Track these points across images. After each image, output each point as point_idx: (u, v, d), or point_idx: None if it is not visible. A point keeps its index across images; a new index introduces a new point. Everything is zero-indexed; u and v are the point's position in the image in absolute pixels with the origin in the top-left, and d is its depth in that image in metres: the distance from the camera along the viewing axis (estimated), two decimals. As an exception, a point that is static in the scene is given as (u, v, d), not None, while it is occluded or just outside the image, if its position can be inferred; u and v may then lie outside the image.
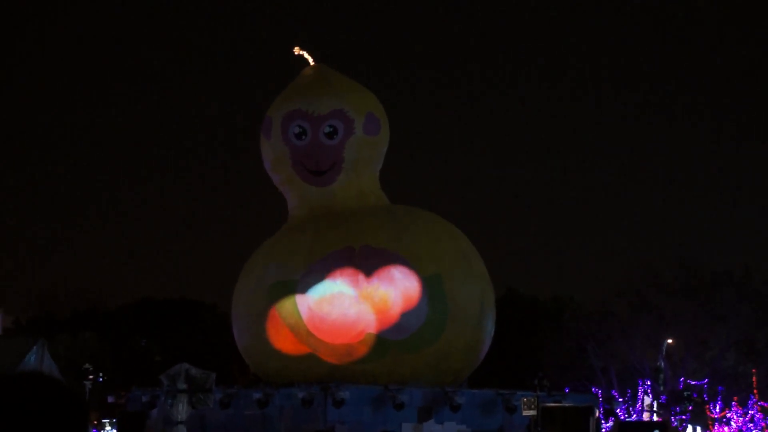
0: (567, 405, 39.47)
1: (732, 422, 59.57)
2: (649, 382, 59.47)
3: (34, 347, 62.08)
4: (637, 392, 59.93)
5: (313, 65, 42.08)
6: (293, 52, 42.30)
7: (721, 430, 59.70)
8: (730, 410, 59.78)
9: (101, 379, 55.10)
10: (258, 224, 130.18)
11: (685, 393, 57.29)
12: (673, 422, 56.69)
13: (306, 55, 42.28)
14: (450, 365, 38.98)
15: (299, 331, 38.29)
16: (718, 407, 59.94)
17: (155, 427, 36.66)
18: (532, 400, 36.55)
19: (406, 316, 37.78)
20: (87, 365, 47.22)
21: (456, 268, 38.99)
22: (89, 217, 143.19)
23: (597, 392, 56.53)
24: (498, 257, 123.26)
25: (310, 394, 35.95)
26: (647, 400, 59.44)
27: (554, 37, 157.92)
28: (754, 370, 60.46)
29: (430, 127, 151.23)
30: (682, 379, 59.89)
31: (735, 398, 59.93)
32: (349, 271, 37.97)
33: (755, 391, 59.75)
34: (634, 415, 59.03)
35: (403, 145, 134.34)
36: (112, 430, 61.12)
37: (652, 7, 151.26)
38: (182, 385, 28.29)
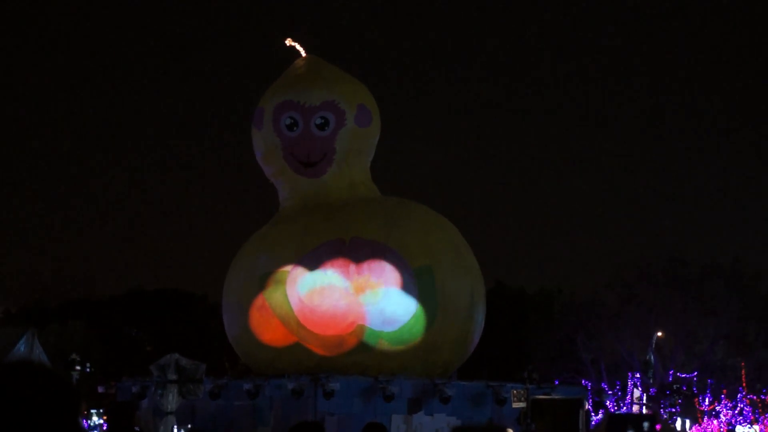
0: (556, 397, 39.59)
1: (721, 415, 59.79)
2: (638, 375, 59.65)
3: (24, 337, 62.04)
4: (627, 385, 60.11)
5: (304, 56, 42.03)
6: (285, 44, 42.26)
7: (710, 422, 59.91)
8: (719, 403, 60.00)
9: (89, 370, 55.02)
10: (249, 215, 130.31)
11: (675, 386, 57.46)
12: (662, 414, 56.85)
13: (298, 46, 42.23)
14: (440, 357, 39.00)
15: (289, 322, 38.28)
16: (707, 400, 60.16)
17: (145, 418, 36.68)
18: (522, 392, 36.64)
19: (396, 307, 37.79)
20: (74, 356, 47.12)
21: (446, 260, 38.98)
22: (80, 206, 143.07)
23: (587, 384, 56.68)
24: (486, 249, 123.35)
25: (300, 385, 35.95)
26: (637, 392, 59.61)
27: (546, 28, 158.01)
28: (743, 363, 60.69)
29: (420, 119, 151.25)
30: (672, 371, 60.08)
31: (724, 391, 60.16)
32: (340, 262, 37.96)
33: (744, 383, 59.97)
34: (624, 408, 59.20)
35: (394, 136, 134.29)
36: (99, 419, 61.09)
37: (642, 6, 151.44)
38: (172, 376, 28.27)
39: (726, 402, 59.61)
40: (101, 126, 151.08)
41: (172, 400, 28.16)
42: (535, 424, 37.42)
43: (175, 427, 28.90)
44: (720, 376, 60.72)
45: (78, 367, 47.40)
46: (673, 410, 56.84)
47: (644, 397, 58.59)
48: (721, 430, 59.15)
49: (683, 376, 59.57)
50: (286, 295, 38.34)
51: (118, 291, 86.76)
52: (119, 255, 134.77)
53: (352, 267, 37.86)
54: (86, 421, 59.52)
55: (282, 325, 38.43)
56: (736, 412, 59.36)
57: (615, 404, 59.50)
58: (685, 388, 58.50)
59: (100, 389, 65.45)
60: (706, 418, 59.73)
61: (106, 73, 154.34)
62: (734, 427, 59.19)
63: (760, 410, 59.27)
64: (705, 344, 61.37)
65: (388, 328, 37.75)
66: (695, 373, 59.84)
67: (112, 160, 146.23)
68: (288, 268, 38.52)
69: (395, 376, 37.39)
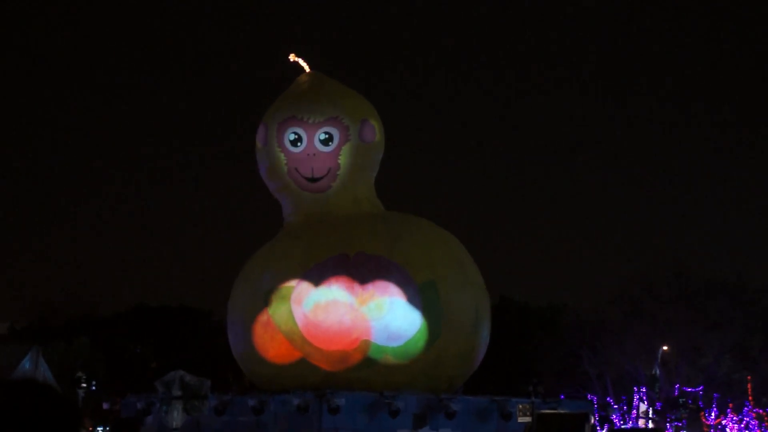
0: (562, 411, 39.54)
1: (727, 429, 59.63)
2: (644, 389, 59.55)
3: (29, 354, 62.06)
4: (633, 399, 60.00)
5: (308, 72, 42.08)
6: (288, 59, 42.31)
7: (716, 436, 59.73)
8: (726, 417, 59.83)
9: (94, 388, 54.92)
10: (254, 231, 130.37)
11: (681, 400, 57.34)
12: (668, 429, 56.72)
13: (301, 62, 42.29)
14: (445, 372, 38.96)
15: (294, 338, 38.28)
16: (713, 414, 60.00)
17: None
18: (528, 406, 36.63)
19: (401, 323, 37.77)
20: (80, 374, 47.14)
21: (450, 275, 38.97)
22: (84, 223, 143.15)
23: (592, 399, 56.54)
24: (491, 264, 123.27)
25: (306, 401, 35.91)
26: (642, 406, 59.50)
27: (549, 41, 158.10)
28: (749, 377, 60.54)
29: (425, 134, 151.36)
30: (677, 385, 59.95)
31: (730, 405, 60.00)
32: (344, 277, 37.96)
33: (750, 397, 59.82)
34: (630, 422, 59.07)
35: (398, 151, 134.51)
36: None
37: (649, 11, 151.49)
38: (177, 392, 28.30)
39: (732, 416, 59.45)
40: (107, 145, 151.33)
41: (177, 416, 28.17)
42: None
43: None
44: (726, 390, 60.57)
45: (84, 385, 47.39)
46: (680, 424, 56.71)
47: (650, 411, 58.48)
48: (728, 444, 58.97)
49: (689, 390, 59.44)
50: (290, 311, 38.33)
51: (122, 308, 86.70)
52: (123, 272, 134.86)
53: (356, 282, 37.87)
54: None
55: (287, 341, 38.41)
56: (743, 426, 59.19)
57: (621, 418, 59.36)
58: (691, 402, 58.38)
59: (105, 406, 65.29)
60: (712, 432, 59.56)
61: (111, 92, 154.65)
62: (741, 441, 59.00)
63: (767, 424, 59.10)
64: (710, 358, 61.23)
65: (393, 343, 37.73)
66: (701, 387, 59.71)
67: (116, 177, 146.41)
68: (292, 283, 38.53)
69: (400, 391, 37.33)
